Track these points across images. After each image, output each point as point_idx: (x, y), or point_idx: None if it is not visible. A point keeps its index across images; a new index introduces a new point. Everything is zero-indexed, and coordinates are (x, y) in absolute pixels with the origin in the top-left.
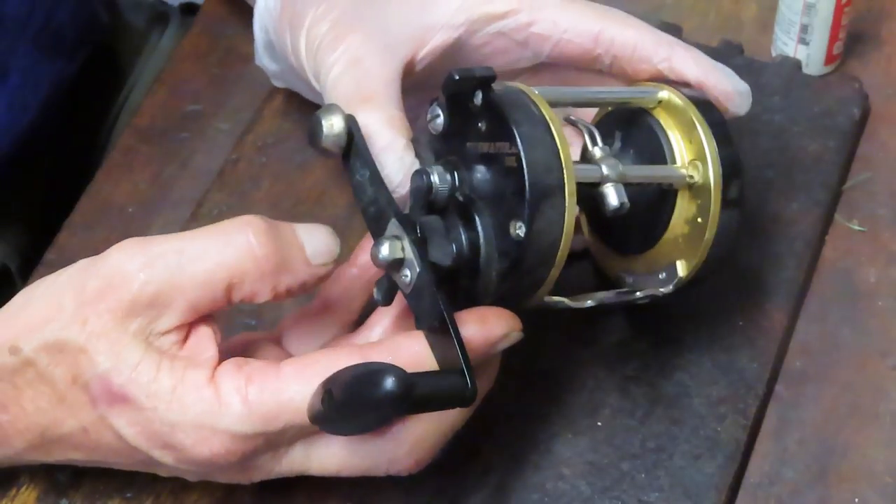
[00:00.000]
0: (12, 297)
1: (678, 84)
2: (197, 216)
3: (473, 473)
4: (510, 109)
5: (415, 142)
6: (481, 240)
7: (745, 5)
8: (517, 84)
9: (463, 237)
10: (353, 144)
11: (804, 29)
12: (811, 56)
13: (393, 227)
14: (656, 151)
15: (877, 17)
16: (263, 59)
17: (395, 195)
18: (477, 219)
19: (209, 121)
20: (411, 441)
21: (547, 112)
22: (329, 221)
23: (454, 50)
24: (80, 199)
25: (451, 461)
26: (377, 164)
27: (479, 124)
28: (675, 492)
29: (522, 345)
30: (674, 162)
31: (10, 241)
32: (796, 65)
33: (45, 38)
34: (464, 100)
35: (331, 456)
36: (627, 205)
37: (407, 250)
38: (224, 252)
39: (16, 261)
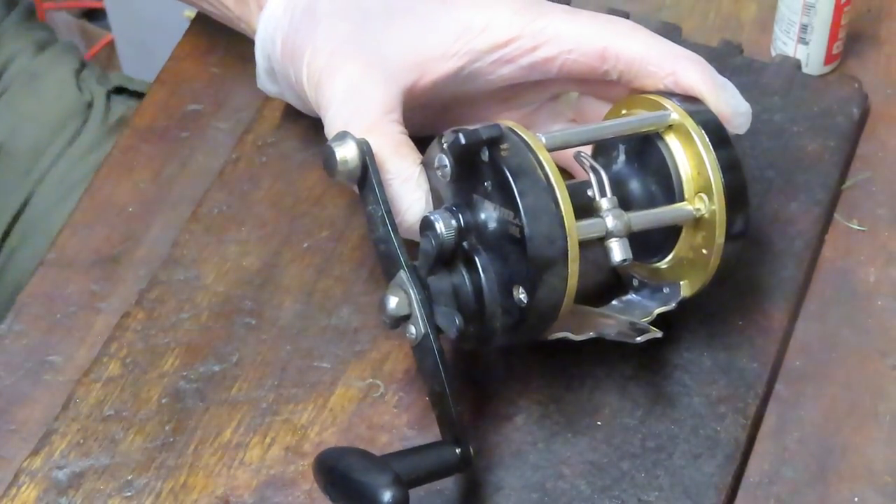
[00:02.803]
0: None
1: (683, 97)
2: (197, 215)
3: (474, 473)
4: (516, 176)
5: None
6: (485, 293)
7: (745, 5)
8: (523, 133)
9: (469, 289)
10: (367, 176)
11: (804, 29)
12: (811, 56)
13: (402, 277)
14: (662, 178)
15: (876, 17)
16: (266, 84)
17: (411, 226)
18: (482, 273)
19: (209, 120)
20: None
21: (553, 174)
22: (329, 221)
23: (458, 75)
24: (80, 199)
25: None
26: (393, 193)
27: (486, 183)
28: (675, 491)
29: (521, 344)
30: (681, 189)
31: None
32: (796, 65)
33: None
34: (471, 152)
35: None
36: (630, 258)
37: (414, 307)
38: None
39: None
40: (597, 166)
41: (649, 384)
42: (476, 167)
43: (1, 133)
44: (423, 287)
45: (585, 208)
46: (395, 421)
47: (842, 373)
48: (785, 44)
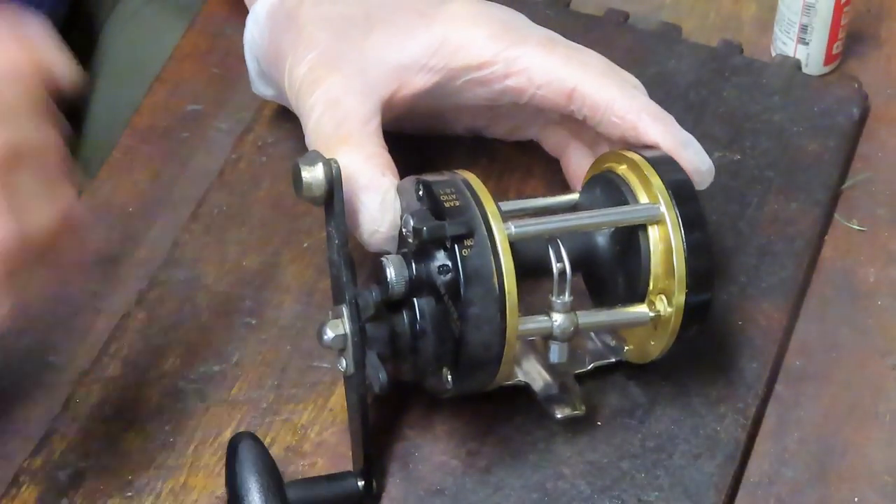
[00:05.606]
0: None
1: (668, 170)
2: (197, 215)
3: (473, 473)
4: (468, 282)
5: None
6: (420, 352)
7: (745, 5)
8: (494, 226)
9: (408, 341)
10: (332, 199)
11: (804, 29)
12: (811, 56)
13: (343, 311)
14: (632, 268)
15: (876, 17)
16: (260, 87)
17: (376, 236)
18: (420, 336)
19: (209, 121)
20: None
21: (508, 283)
22: None
23: (435, 90)
24: (79, 199)
25: (452, 460)
26: (359, 203)
27: (442, 265)
28: (675, 491)
29: None
30: (646, 285)
31: None
32: (796, 65)
33: None
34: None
35: None
36: (564, 362)
37: (348, 346)
38: None
39: None
40: (566, 265)
41: (649, 384)
42: (440, 243)
43: None
44: (361, 329)
45: (538, 268)
46: (395, 421)
47: (842, 373)
48: (785, 44)
